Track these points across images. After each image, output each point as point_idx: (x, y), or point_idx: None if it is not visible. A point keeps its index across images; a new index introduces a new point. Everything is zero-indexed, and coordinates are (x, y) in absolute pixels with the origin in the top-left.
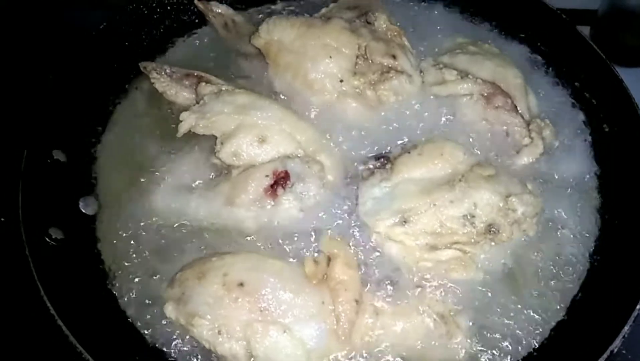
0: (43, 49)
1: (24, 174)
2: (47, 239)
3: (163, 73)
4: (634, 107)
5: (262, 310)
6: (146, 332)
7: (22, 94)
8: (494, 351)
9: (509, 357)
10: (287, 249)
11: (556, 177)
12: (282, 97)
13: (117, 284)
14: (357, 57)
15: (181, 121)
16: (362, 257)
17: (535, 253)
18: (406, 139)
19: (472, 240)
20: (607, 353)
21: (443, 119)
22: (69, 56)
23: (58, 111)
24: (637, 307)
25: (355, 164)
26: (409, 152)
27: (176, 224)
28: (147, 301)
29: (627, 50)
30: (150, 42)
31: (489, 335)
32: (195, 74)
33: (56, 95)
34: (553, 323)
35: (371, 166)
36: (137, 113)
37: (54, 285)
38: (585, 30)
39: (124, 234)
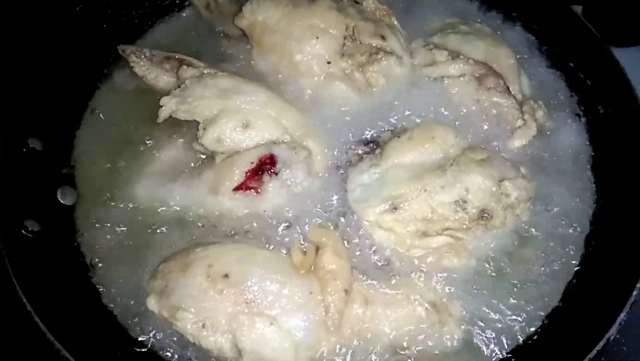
0: (18, 33)
1: None
2: (23, 231)
3: (143, 56)
4: (630, 89)
5: (248, 301)
6: (129, 326)
7: None
8: (487, 340)
9: (502, 345)
10: (274, 238)
11: (550, 160)
12: (267, 80)
13: (97, 278)
14: (345, 37)
15: (161, 106)
16: (352, 245)
17: (529, 239)
18: (396, 123)
19: (464, 226)
20: (604, 340)
21: (434, 101)
22: (44, 39)
23: (34, 97)
24: (634, 293)
25: (344, 149)
26: (399, 137)
27: (159, 214)
28: (129, 294)
29: (620, 30)
30: (130, 24)
31: (481, 322)
32: (177, 57)
33: (32, 80)
34: (548, 310)
35: (360, 152)
36: (116, 99)
37: (30, 280)
38: (579, 9)
39: (105, 225)
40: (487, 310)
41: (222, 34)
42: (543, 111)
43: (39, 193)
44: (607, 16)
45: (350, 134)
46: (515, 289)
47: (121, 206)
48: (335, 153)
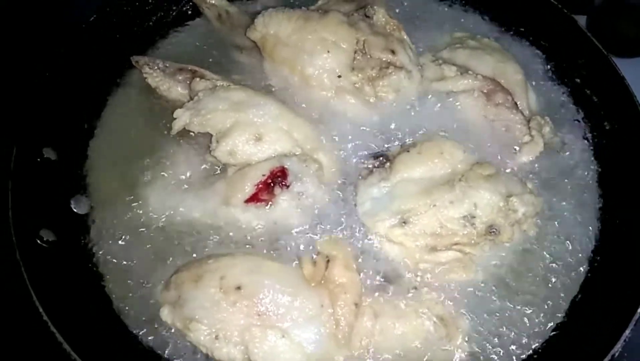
0: (31, 43)
1: (14, 173)
2: (38, 241)
3: (156, 67)
4: (635, 105)
5: (260, 313)
6: (142, 336)
7: (10, 90)
8: (493, 354)
9: (508, 359)
10: (285, 250)
11: (556, 175)
12: (279, 92)
13: (111, 287)
14: (356, 52)
15: (175, 118)
16: (361, 259)
17: (535, 253)
18: (405, 137)
19: (472, 241)
20: (609, 357)
21: (442, 116)
22: (58, 50)
23: (48, 108)
24: (639, 310)
25: (354, 162)
26: (408, 151)
27: (171, 224)
28: (142, 304)
29: (624, 41)
30: (142, 35)
31: (488, 336)
32: (189, 68)
33: (46, 91)
34: (553, 325)
35: (370, 165)
36: (129, 109)
37: (46, 289)
38: (581, 19)
39: (118, 234)
40: (493, 324)
41: (234, 46)
42: (550, 126)
43: (53, 203)
44: (612, 27)
45: (360, 148)
46: (521, 303)
47: (134, 215)
48: (346, 166)
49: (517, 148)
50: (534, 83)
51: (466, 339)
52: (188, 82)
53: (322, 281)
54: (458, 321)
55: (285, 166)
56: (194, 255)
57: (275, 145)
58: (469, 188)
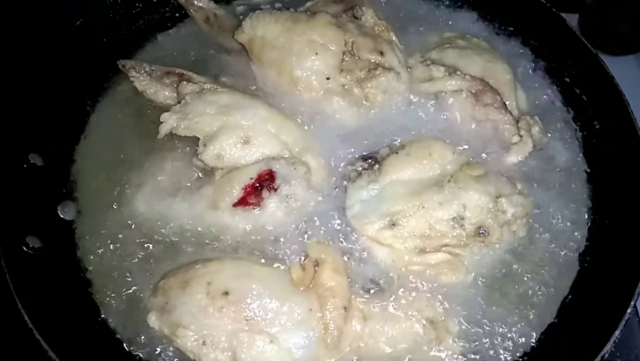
0: (18, 47)
1: None
2: (24, 248)
3: (142, 71)
4: (625, 104)
5: (248, 319)
6: (129, 343)
7: None
8: (483, 356)
9: None
10: (273, 254)
11: (546, 175)
12: (267, 95)
13: (98, 294)
14: (344, 53)
15: (162, 122)
16: (350, 262)
17: (525, 254)
18: (394, 139)
19: (462, 243)
20: (599, 358)
21: (431, 117)
22: (44, 54)
23: (34, 113)
24: (629, 311)
25: (343, 165)
26: (397, 153)
27: (159, 229)
28: (130, 311)
29: (616, 38)
30: (129, 39)
31: (478, 339)
32: (176, 71)
33: (32, 95)
34: (543, 326)
35: (359, 168)
36: (116, 114)
37: (31, 297)
38: (573, 18)
39: (106, 240)
40: (483, 326)
41: (221, 48)
42: (539, 126)
43: (39, 209)
44: (604, 24)
45: (349, 150)
46: (511, 305)
47: (121, 220)
48: (334, 169)
49: (507, 148)
50: (523, 83)
51: (456, 341)
52: (175, 85)
53: (311, 286)
54: (447, 323)
55: (273, 169)
56: (182, 260)
57: (263, 148)
58: (458, 189)
